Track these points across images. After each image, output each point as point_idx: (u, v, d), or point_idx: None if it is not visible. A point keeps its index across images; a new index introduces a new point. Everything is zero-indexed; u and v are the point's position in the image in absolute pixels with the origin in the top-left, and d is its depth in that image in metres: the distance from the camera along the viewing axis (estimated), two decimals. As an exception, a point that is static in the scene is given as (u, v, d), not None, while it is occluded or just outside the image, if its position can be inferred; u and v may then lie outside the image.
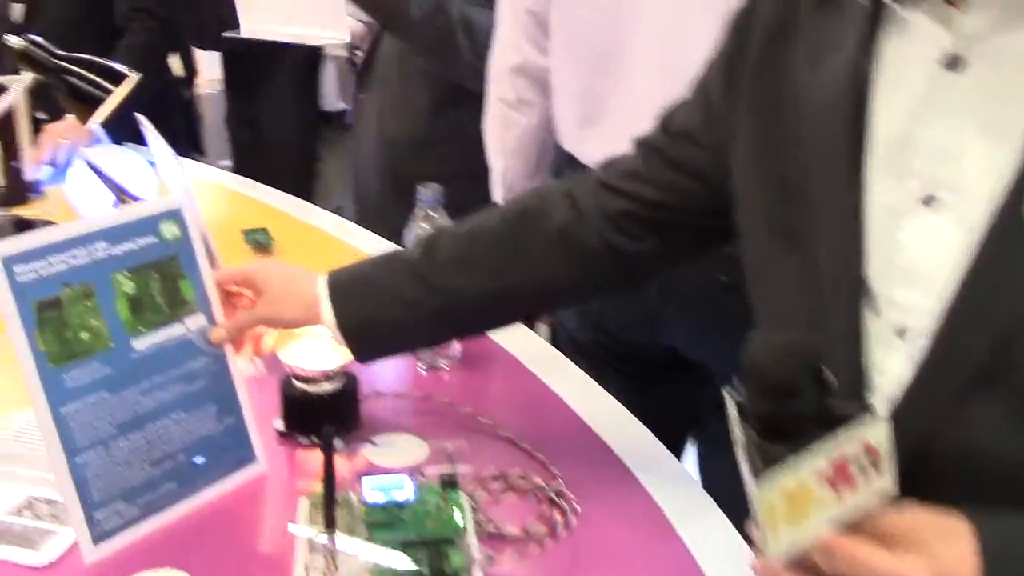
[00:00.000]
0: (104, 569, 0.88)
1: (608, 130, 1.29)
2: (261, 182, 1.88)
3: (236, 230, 1.58)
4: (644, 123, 1.25)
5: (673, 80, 1.20)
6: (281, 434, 1.07)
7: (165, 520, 0.94)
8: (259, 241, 1.55)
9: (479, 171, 1.51)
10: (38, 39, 1.53)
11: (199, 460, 0.97)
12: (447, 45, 1.60)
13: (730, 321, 1.25)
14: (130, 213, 0.96)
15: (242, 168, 2.28)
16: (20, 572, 0.88)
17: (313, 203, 1.86)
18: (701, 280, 1.21)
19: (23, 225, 1.63)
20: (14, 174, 1.66)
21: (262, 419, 1.05)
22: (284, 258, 1.55)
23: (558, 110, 1.37)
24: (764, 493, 0.61)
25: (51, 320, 0.88)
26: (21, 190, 1.68)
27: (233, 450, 1.00)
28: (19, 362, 0.86)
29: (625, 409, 1.13)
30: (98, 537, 0.89)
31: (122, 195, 1.47)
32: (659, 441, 1.09)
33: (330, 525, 0.83)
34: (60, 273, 0.89)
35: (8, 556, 0.90)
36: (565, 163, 1.40)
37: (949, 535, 0.64)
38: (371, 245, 1.56)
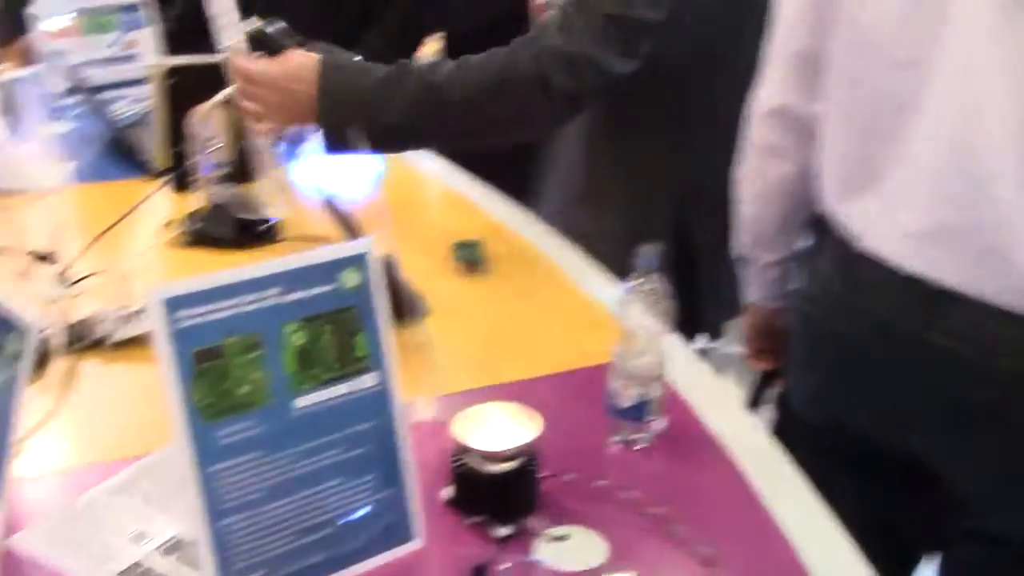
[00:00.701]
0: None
1: (873, 199, 1.10)
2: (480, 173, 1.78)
3: (446, 243, 1.49)
4: (917, 199, 1.07)
5: (957, 155, 1.01)
6: (447, 504, 0.97)
7: (306, 595, 0.86)
8: (469, 259, 1.46)
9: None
10: (281, 23, 1.49)
11: (351, 530, 0.88)
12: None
13: (995, 444, 1.07)
14: (310, 258, 0.87)
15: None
16: (150, 631, 0.83)
17: (534, 205, 1.72)
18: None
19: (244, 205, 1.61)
20: (243, 153, 1.64)
21: (430, 490, 0.95)
22: (495, 280, 1.45)
23: (822, 165, 1.18)
24: None
25: (209, 371, 0.81)
26: (249, 169, 1.66)
27: (391, 525, 0.91)
28: (171, 415, 0.80)
29: (848, 543, 0.96)
30: (234, 606, 0.83)
31: (331, 194, 1.40)
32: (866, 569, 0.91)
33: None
34: (225, 320, 0.82)
35: (142, 608, 0.85)
36: (820, 223, 1.22)
37: None
38: (594, 287, 1.44)
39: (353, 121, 1.31)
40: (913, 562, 1.27)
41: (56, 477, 1.02)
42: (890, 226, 1.08)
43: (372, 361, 0.89)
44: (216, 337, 0.82)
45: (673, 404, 1.12)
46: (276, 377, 0.84)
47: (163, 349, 0.79)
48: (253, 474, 0.83)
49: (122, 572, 0.88)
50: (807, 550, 0.94)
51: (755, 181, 1.29)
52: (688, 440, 1.10)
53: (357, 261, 0.89)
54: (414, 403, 1.10)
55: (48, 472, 1.03)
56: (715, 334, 1.71)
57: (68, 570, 0.88)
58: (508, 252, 1.53)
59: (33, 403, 1.13)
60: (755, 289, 1.38)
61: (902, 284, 1.08)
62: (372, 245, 0.90)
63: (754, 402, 1.42)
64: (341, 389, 0.88)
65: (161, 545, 0.91)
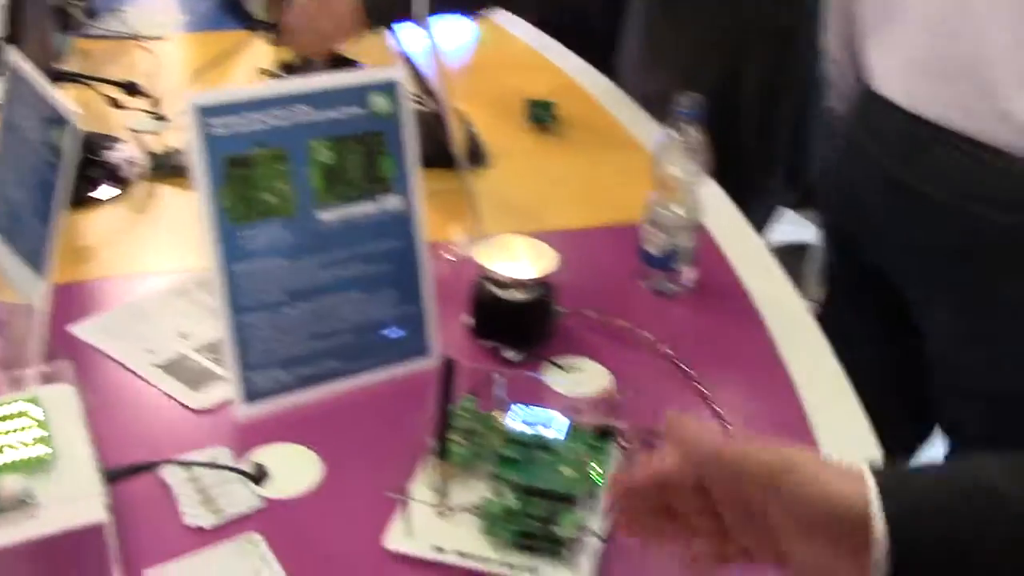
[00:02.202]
0: (244, 432, 0.89)
1: (873, 43, 1.14)
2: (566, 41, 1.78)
3: (520, 98, 1.52)
4: (912, 36, 1.07)
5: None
6: (468, 329, 1.02)
7: (321, 394, 0.93)
8: (540, 117, 1.48)
9: None
10: None
11: (367, 340, 0.94)
12: None
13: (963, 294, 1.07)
14: (340, 79, 0.92)
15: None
16: (176, 409, 0.91)
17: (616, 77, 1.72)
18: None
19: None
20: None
21: (451, 315, 1.01)
22: (563, 138, 1.48)
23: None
24: None
25: (238, 177, 0.87)
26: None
27: (407, 340, 0.96)
28: (200, 214, 0.87)
29: (855, 399, 0.97)
30: (251, 396, 0.90)
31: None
32: (874, 442, 0.92)
33: (440, 456, 0.77)
34: (255, 132, 0.88)
35: (172, 391, 0.93)
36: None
37: None
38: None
39: None
40: (928, 427, 1.28)
41: (122, 280, 1.12)
42: (887, 63, 1.11)
43: (397, 185, 0.94)
44: (246, 146, 0.88)
45: (708, 255, 1.14)
46: (301, 190, 0.90)
47: (196, 152, 0.86)
48: (275, 277, 0.90)
49: (163, 362, 0.97)
50: (816, 410, 0.95)
51: None
52: (717, 292, 1.12)
53: (387, 88, 0.93)
54: (455, 239, 1.16)
55: (116, 274, 1.12)
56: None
57: (118, 356, 0.97)
58: (581, 113, 1.54)
59: (113, 215, 1.23)
60: None
61: (895, 122, 1.10)
62: (402, 75, 0.94)
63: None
64: (365, 208, 0.93)
65: (201, 345, 0.99)
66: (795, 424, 0.93)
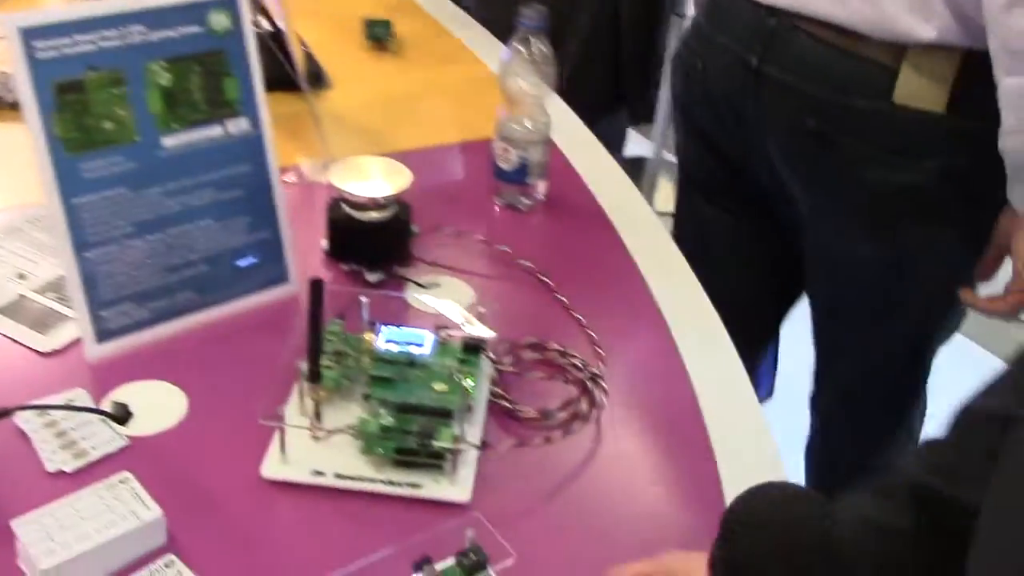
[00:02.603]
0: (102, 372, 0.85)
1: None
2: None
3: (356, 18, 1.48)
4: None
5: None
6: (326, 254, 1.00)
7: (179, 328, 0.90)
8: (378, 35, 1.45)
9: None
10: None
11: (222, 270, 0.91)
12: None
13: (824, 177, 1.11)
14: (175, -4, 0.87)
15: None
16: (24, 354, 0.87)
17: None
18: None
19: None
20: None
21: (307, 241, 0.99)
22: (402, 57, 1.45)
23: None
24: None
25: (71, 104, 0.82)
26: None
27: (264, 268, 0.94)
28: (33, 146, 0.81)
29: (708, 303, 1.00)
30: (103, 335, 0.86)
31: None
32: (727, 336, 0.96)
33: (313, 379, 0.76)
34: (86, 54, 0.82)
35: (18, 335, 0.88)
36: None
37: None
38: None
39: None
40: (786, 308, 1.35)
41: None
42: None
43: (243, 107, 0.91)
44: (77, 70, 0.82)
45: (558, 169, 1.15)
46: (141, 115, 0.86)
47: (21, 78, 0.80)
48: (119, 209, 0.85)
49: (3, 306, 0.91)
50: (673, 313, 0.99)
51: None
52: (570, 205, 1.14)
53: (226, 4, 0.89)
54: (304, 165, 1.13)
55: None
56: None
57: (-51, 303, 0.91)
58: (419, 31, 1.52)
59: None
60: None
61: (748, 14, 1.10)
62: (242, -11, 0.90)
63: None
64: (211, 132, 0.89)
65: (42, 285, 0.94)
66: (652, 325, 0.97)
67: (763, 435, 0.86)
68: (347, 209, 0.97)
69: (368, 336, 0.84)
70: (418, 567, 0.68)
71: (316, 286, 0.74)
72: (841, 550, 0.61)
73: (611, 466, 0.81)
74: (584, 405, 0.86)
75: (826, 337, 1.26)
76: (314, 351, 0.76)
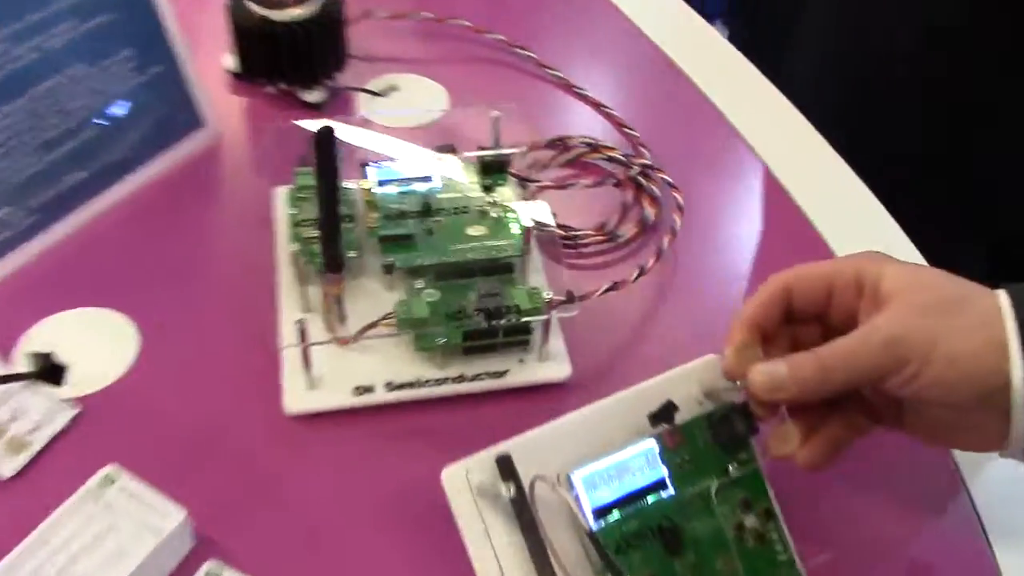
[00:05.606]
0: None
1: None
2: None
3: None
4: None
5: None
6: (236, 76, 0.74)
7: (79, 225, 0.64)
8: None
9: None
10: None
11: (113, 130, 0.65)
12: None
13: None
14: None
15: None
16: None
17: None
18: None
19: None
20: None
21: (207, 62, 0.72)
22: None
23: None
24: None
25: None
26: None
27: (167, 114, 0.68)
28: None
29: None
30: (-22, 260, 0.60)
31: None
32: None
33: (333, 268, 0.53)
34: None
35: None
36: None
37: None
38: None
39: None
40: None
41: None
42: None
43: None
44: None
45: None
46: (-62, -74, 0.56)
47: None
48: (-52, 75, 0.57)
49: None
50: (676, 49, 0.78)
51: None
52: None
53: None
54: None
55: None
56: None
57: None
58: None
59: None
60: None
61: None
62: None
63: None
64: (46, -65, 0.60)
65: None
66: (663, 72, 0.77)
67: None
68: (256, 8, 0.70)
69: (363, 184, 0.61)
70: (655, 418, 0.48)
71: (324, 136, 0.50)
72: None
73: (703, 278, 0.63)
74: (647, 206, 0.67)
75: None
76: (331, 230, 0.53)
